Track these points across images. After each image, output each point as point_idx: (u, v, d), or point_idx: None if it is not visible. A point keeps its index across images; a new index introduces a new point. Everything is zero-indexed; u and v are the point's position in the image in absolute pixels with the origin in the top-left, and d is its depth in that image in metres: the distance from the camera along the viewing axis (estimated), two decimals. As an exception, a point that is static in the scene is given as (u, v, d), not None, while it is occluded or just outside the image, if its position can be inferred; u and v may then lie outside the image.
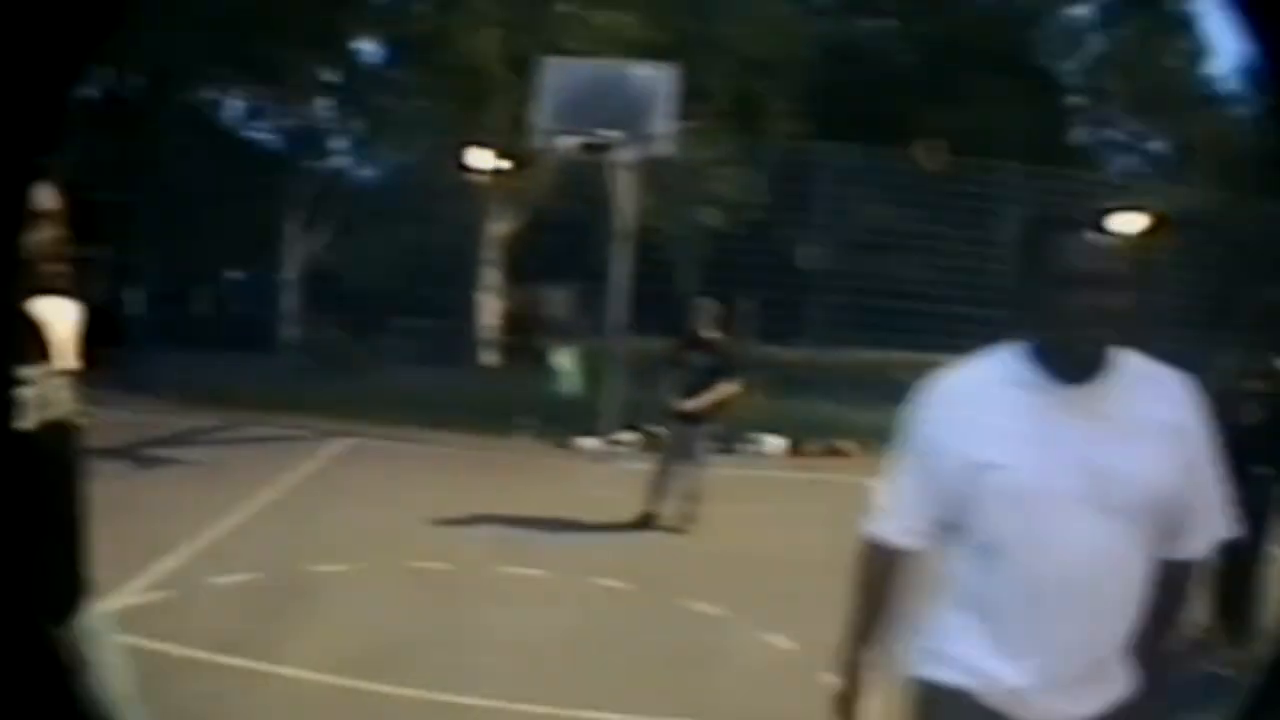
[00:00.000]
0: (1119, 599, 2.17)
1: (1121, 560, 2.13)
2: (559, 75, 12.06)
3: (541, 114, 11.87)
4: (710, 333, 9.45)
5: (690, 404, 9.26)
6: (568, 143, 11.52)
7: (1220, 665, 6.45)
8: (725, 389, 9.33)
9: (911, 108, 24.38)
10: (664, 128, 11.73)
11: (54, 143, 1.50)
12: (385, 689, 5.11)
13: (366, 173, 26.84)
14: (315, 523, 8.67)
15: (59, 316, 2.58)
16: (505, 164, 16.54)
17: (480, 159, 17.10)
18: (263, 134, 26.76)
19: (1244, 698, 2.11)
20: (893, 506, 2.39)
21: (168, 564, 6.97)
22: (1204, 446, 2.20)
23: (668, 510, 9.28)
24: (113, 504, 8.20)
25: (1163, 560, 2.20)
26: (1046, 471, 2.11)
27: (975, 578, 2.23)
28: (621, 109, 11.54)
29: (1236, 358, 7.33)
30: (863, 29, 28.97)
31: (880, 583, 2.44)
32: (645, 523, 9.22)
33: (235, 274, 28.15)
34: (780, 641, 6.10)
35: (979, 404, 2.21)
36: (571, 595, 7.07)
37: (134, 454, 11.11)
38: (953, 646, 2.28)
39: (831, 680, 2.51)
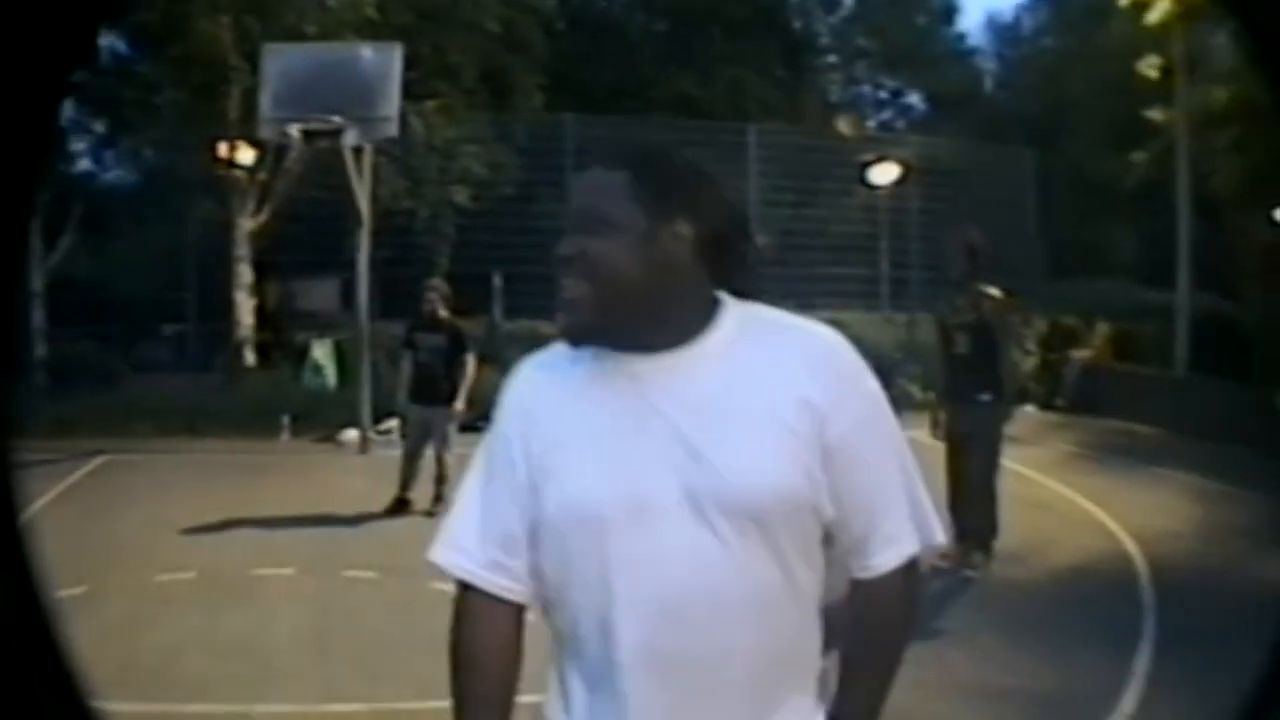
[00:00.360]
0: (741, 639, 1.59)
1: (734, 585, 1.57)
2: (281, 61, 11.76)
3: (266, 101, 11.56)
4: (441, 312, 9.46)
5: (458, 406, 9.34)
6: (293, 130, 11.25)
7: (963, 572, 6.95)
8: (471, 372, 9.39)
9: (661, 75, 24.80)
10: (390, 110, 11.60)
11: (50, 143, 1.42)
12: (126, 707, 4.99)
13: (113, 174, 25.63)
14: (60, 547, 8.32)
15: None
16: (249, 155, 16.04)
17: (225, 152, 16.58)
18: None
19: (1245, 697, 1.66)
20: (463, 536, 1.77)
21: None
22: (861, 432, 1.63)
23: (417, 494, 9.34)
24: None
25: (853, 580, 1.70)
26: (613, 475, 1.60)
27: (560, 626, 1.73)
28: (346, 93, 11.33)
29: (949, 291, 7.78)
30: (613, 2, 29.32)
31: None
32: (397, 510, 9.24)
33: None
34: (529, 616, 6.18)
35: (541, 394, 1.76)
36: (320, 589, 7.03)
37: None
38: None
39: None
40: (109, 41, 20.82)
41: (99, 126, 23.07)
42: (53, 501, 10.11)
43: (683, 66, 25.17)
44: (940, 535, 1.72)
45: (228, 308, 18.36)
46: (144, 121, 19.68)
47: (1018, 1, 37.00)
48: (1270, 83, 1.31)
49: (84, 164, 24.28)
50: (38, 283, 19.32)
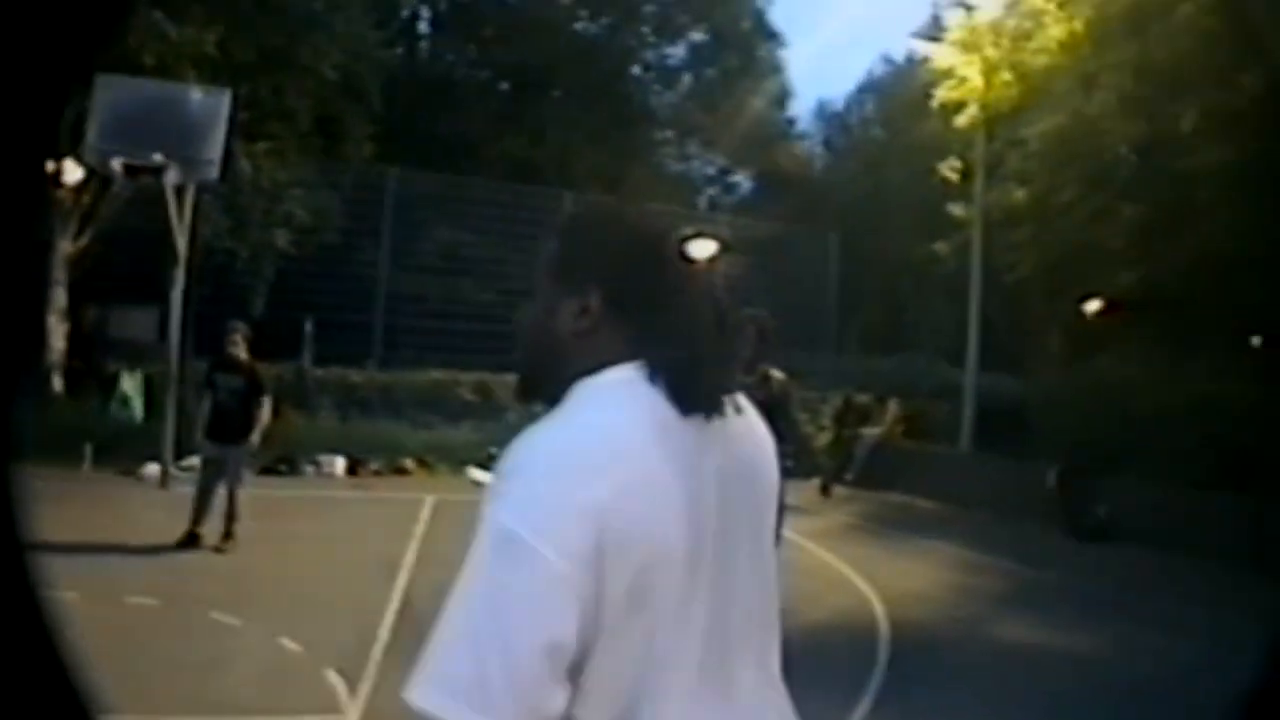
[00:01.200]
0: None
1: None
2: (112, 92, 11.84)
3: (92, 131, 11.62)
4: (241, 354, 9.73)
5: (253, 440, 9.60)
6: (116, 163, 11.35)
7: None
8: (266, 414, 9.65)
9: (494, 135, 25.26)
10: (214, 153, 11.80)
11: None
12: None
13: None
14: None
15: None
16: (76, 175, 15.88)
17: (59, 171, 16.33)
18: None
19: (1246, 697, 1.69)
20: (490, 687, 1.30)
21: None
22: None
23: (210, 530, 9.52)
24: None
25: None
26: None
27: None
28: (171, 132, 11.51)
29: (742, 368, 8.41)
30: (452, 55, 29.76)
31: None
32: (188, 543, 9.40)
33: None
34: (290, 644, 6.56)
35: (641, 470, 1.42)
36: (102, 615, 7.19)
37: None
38: None
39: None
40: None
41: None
42: None
43: (517, 128, 25.68)
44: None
45: (42, 334, 17.94)
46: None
47: (847, 91, 38.76)
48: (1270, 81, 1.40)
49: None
50: None
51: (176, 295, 12.90)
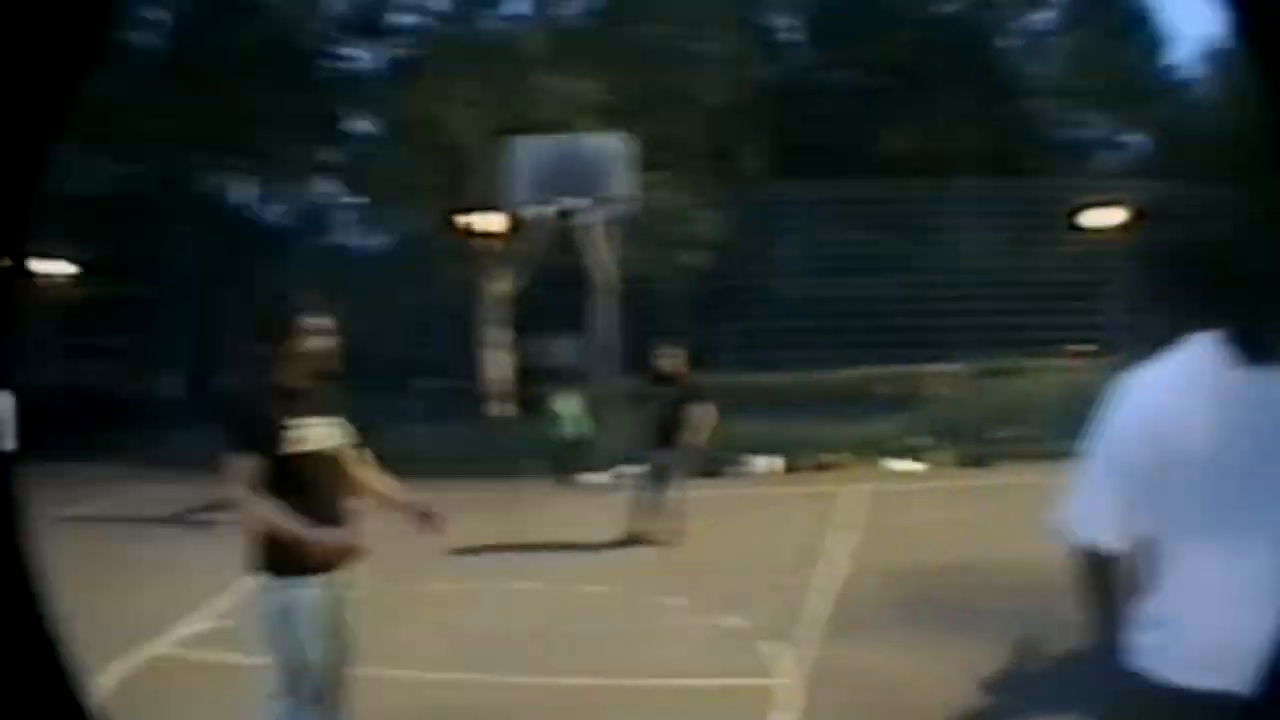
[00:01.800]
0: None
1: None
2: (530, 151, 13.30)
3: (514, 188, 13.05)
4: (671, 368, 10.68)
5: (688, 438, 10.48)
6: (540, 212, 12.67)
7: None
8: (702, 417, 10.53)
9: (875, 133, 25.49)
10: (625, 190, 12.91)
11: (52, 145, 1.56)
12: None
13: (367, 243, 28.25)
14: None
15: None
16: (498, 224, 17.72)
17: (473, 223, 18.25)
18: (269, 216, 28.40)
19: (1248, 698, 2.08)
20: (1096, 511, 2.39)
21: (225, 599, 8.20)
22: None
23: (654, 528, 10.51)
24: (166, 562, 9.72)
25: None
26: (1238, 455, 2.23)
27: (1186, 567, 2.29)
28: (584, 177, 12.72)
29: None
30: (820, 61, 30.26)
31: (1105, 589, 2.42)
32: (636, 540, 10.47)
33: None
34: (729, 621, 7.36)
35: (1175, 395, 2.33)
36: (564, 600, 8.35)
37: (181, 520, 12.93)
38: (1172, 641, 2.29)
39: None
40: (361, 127, 23.44)
41: (354, 201, 25.64)
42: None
43: (896, 122, 25.78)
44: None
45: (481, 364, 20.17)
46: (394, 197, 21.90)
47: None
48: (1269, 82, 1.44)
49: (342, 236, 26.94)
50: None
51: (603, 320, 14.12)
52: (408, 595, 8.17)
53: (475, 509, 13.46)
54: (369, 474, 4.42)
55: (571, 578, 9.01)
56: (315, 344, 4.11)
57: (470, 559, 10.03)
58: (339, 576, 4.07)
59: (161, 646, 7.26)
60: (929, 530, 10.60)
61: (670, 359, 10.75)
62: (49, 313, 25.70)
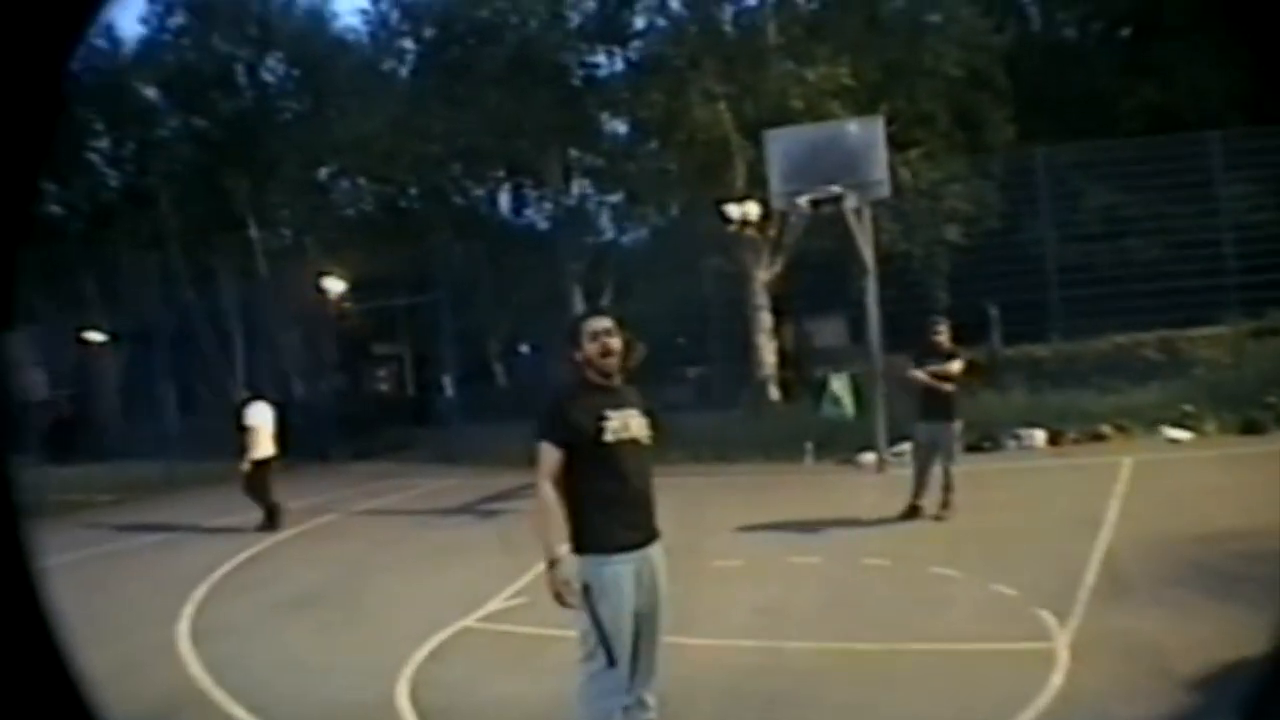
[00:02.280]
0: None
1: None
2: (782, 143, 13.72)
3: (774, 178, 13.49)
4: (947, 342, 10.84)
5: (924, 373, 10.66)
6: (801, 200, 13.03)
7: None
8: (955, 365, 10.69)
9: (1124, 87, 24.49)
10: (880, 174, 13.14)
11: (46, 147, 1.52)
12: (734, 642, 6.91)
13: (630, 239, 29.29)
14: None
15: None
16: (756, 212, 18.21)
17: (735, 213, 18.77)
18: (534, 220, 29.91)
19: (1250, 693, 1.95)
20: None
21: (519, 579, 8.98)
22: None
23: (928, 502, 10.80)
24: (461, 546, 10.81)
25: None
26: None
27: None
28: (841, 163, 13.01)
29: None
30: (1063, 15, 29.30)
31: None
32: (910, 515, 10.79)
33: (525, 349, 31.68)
34: (1004, 589, 7.62)
35: None
36: (843, 572, 8.79)
37: (471, 510, 14.24)
38: None
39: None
40: (616, 128, 24.35)
41: (616, 200, 26.62)
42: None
43: (1142, 75, 24.75)
44: None
45: (748, 350, 20.73)
46: (654, 193, 22.65)
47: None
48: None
49: (607, 232, 28.02)
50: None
51: (870, 300, 14.36)
52: (696, 569, 8.73)
53: (753, 491, 14.13)
54: None
55: (849, 551, 9.44)
56: (614, 341, 4.65)
57: (751, 536, 10.63)
58: (648, 552, 4.62)
59: (468, 621, 8.03)
60: (1199, 498, 10.43)
61: (941, 333, 10.90)
62: (329, 328, 27.98)
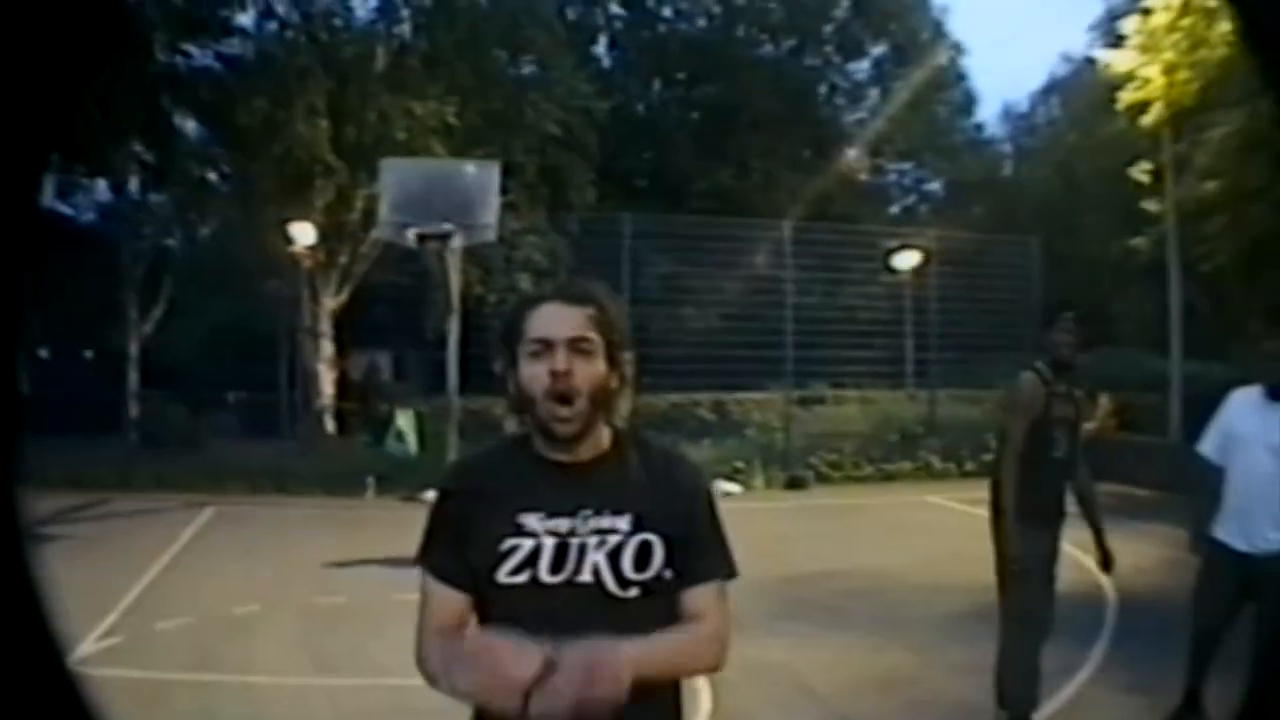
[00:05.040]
0: None
1: None
2: (398, 173, 13.52)
3: (384, 208, 13.25)
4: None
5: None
6: (410, 233, 12.90)
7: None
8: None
9: (699, 169, 26.52)
10: (490, 218, 13.31)
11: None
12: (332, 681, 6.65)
13: (191, 250, 27.30)
14: (220, 576, 10.08)
15: None
16: (312, 239, 17.85)
17: (304, 234, 18.20)
18: (83, 213, 27.08)
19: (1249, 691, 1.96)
20: None
21: (109, 619, 8.26)
22: None
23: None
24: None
25: None
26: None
27: None
28: (455, 203, 13.01)
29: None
30: (646, 96, 31.36)
31: None
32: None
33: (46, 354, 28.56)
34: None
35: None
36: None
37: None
38: None
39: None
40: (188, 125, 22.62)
41: (177, 204, 24.70)
42: (189, 542, 11.94)
43: (718, 160, 26.80)
44: None
45: (306, 378, 20.04)
46: (221, 202, 21.55)
47: (1031, 92, 38.31)
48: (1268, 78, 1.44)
49: (167, 239, 25.88)
50: (134, 348, 20.85)
51: (452, 339, 14.44)
52: (287, 608, 8.31)
53: (314, 526, 13.69)
54: None
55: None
56: None
57: (348, 571, 10.33)
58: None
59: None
60: (779, 544, 11.26)
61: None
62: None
